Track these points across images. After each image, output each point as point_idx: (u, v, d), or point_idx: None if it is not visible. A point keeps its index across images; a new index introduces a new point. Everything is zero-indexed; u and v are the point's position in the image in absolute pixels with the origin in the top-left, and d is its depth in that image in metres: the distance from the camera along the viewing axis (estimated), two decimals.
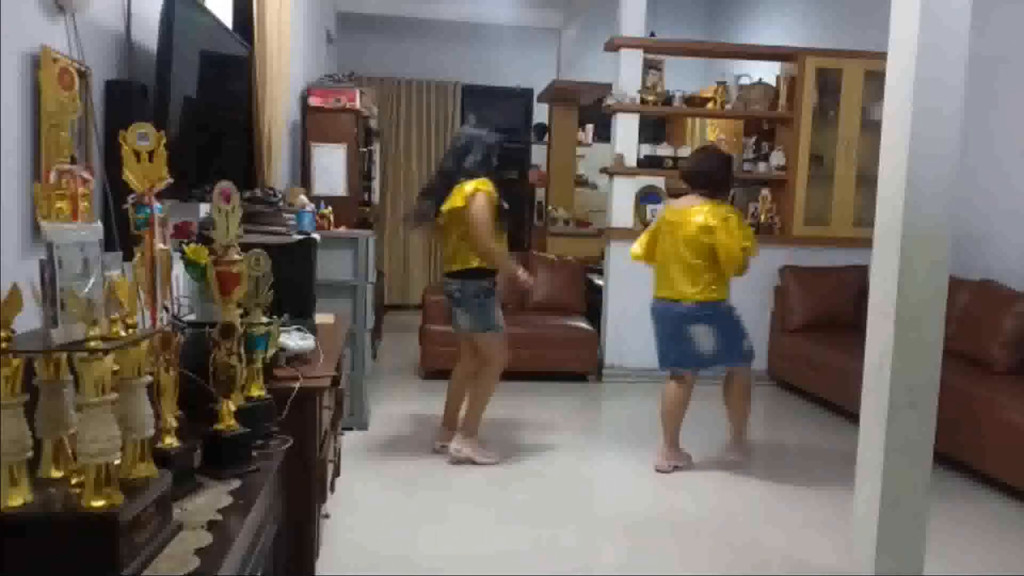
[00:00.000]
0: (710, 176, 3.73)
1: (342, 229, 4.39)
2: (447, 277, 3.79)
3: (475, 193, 3.56)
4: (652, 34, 6.53)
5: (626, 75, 5.60)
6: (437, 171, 3.94)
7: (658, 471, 3.79)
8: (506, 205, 3.73)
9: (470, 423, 3.80)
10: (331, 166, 5.38)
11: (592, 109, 7.39)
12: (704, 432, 4.48)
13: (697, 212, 3.65)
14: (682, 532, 3.15)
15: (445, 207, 3.65)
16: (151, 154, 1.47)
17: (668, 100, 5.75)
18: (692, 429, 4.49)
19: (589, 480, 3.78)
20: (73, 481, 1.26)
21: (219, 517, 1.43)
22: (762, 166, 5.82)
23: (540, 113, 8.57)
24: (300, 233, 3.13)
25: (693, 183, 3.79)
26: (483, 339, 3.75)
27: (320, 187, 5.27)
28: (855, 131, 5.58)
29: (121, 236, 1.70)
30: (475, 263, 3.64)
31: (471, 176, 3.61)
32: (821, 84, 5.65)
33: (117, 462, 1.20)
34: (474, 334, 3.77)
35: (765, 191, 5.81)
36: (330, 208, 4.40)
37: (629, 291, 5.21)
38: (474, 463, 3.73)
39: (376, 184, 7.01)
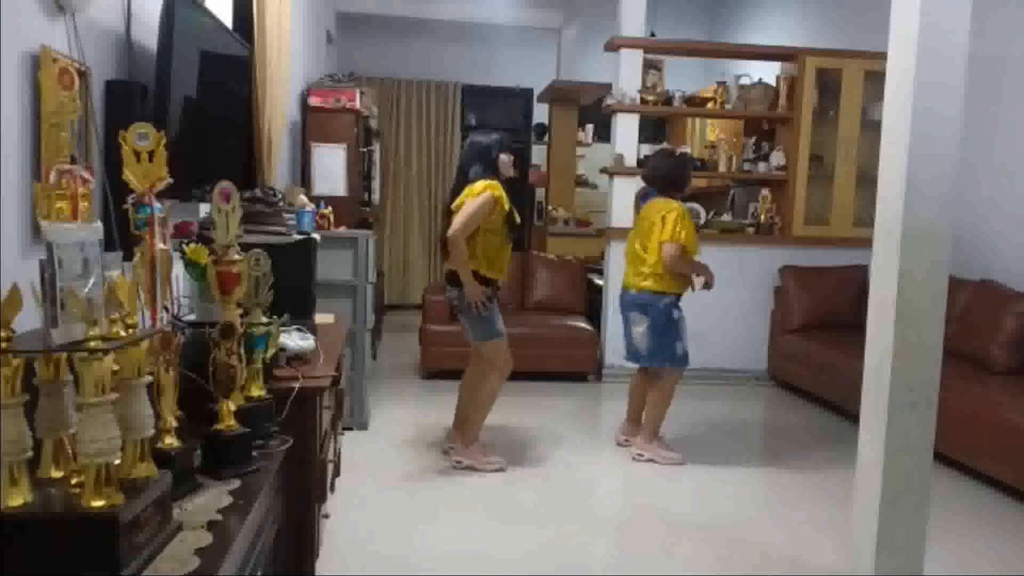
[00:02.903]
0: (664, 177, 4.02)
1: (342, 229, 4.39)
2: (447, 281, 3.72)
3: (483, 191, 3.51)
4: (652, 34, 6.53)
5: (626, 75, 5.60)
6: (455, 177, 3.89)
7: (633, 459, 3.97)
8: (517, 219, 3.66)
9: (470, 431, 3.74)
10: (331, 166, 5.38)
11: (592, 109, 7.39)
12: (698, 433, 4.48)
13: (652, 208, 3.93)
14: (682, 532, 3.15)
15: (455, 204, 3.61)
16: (151, 154, 1.48)
17: (668, 100, 5.75)
18: (686, 430, 4.49)
19: (589, 480, 3.78)
20: (73, 481, 1.26)
21: (219, 517, 1.43)
22: (762, 166, 5.82)
23: (540, 113, 8.57)
24: (300, 233, 3.13)
25: (652, 183, 4.09)
26: (484, 347, 3.70)
27: (320, 187, 5.27)
28: (855, 131, 5.58)
29: (121, 236, 1.71)
30: (473, 266, 3.56)
31: (474, 181, 3.57)
32: (821, 84, 5.65)
33: (117, 462, 1.20)
34: (475, 343, 3.73)
35: (765, 191, 5.81)
36: (330, 208, 4.40)
37: None
38: (475, 470, 3.66)
39: (376, 184, 7.01)
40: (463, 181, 3.65)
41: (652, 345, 3.89)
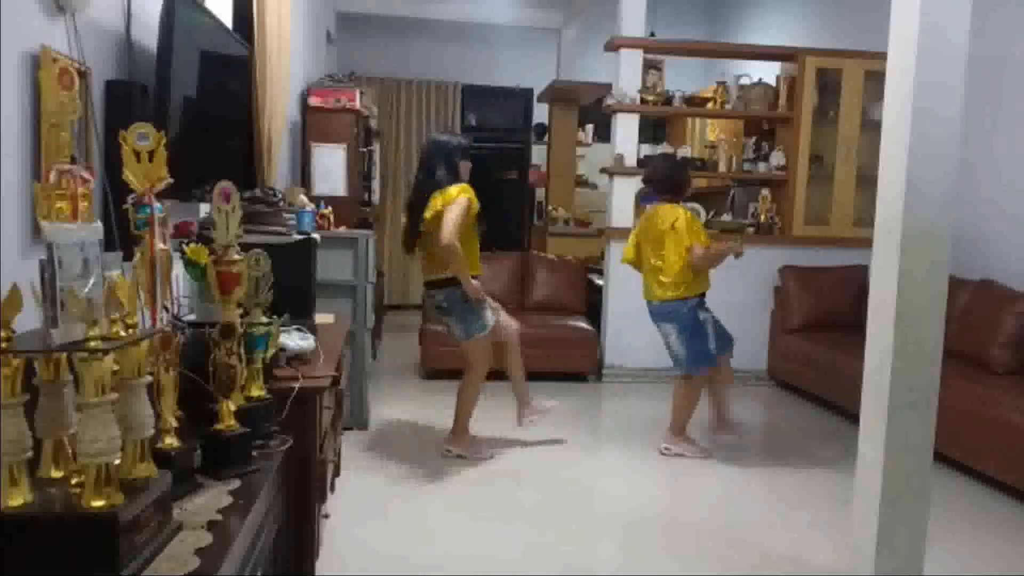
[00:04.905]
0: (664, 180, 4.01)
1: (342, 229, 4.38)
2: (428, 287, 3.83)
3: (459, 196, 3.60)
4: (652, 34, 6.54)
5: (626, 75, 5.60)
6: (413, 185, 3.95)
7: (660, 452, 4.04)
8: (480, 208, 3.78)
9: (459, 425, 3.91)
10: (331, 166, 5.38)
11: (592, 109, 7.39)
12: (698, 433, 4.48)
13: (657, 215, 3.92)
14: (682, 532, 3.15)
15: (427, 214, 3.65)
16: (151, 154, 1.47)
17: (668, 100, 5.75)
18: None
19: (589, 480, 3.77)
20: (73, 481, 1.26)
21: (219, 517, 1.43)
22: (762, 166, 5.82)
23: (540, 113, 8.56)
24: (300, 233, 3.13)
25: (650, 184, 4.11)
26: (467, 346, 3.81)
27: (320, 187, 5.27)
28: (855, 131, 5.58)
29: (121, 236, 1.70)
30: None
31: (442, 185, 3.63)
32: (821, 84, 5.64)
33: (117, 462, 1.20)
34: (461, 343, 3.82)
35: (765, 191, 5.81)
36: (330, 208, 4.40)
37: (629, 291, 5.18)
38: (463, 458, 3.82)
39: (376, 184, 7.01)
40: (429, 182, 3.70)
41: (687, 351, 3.90)
